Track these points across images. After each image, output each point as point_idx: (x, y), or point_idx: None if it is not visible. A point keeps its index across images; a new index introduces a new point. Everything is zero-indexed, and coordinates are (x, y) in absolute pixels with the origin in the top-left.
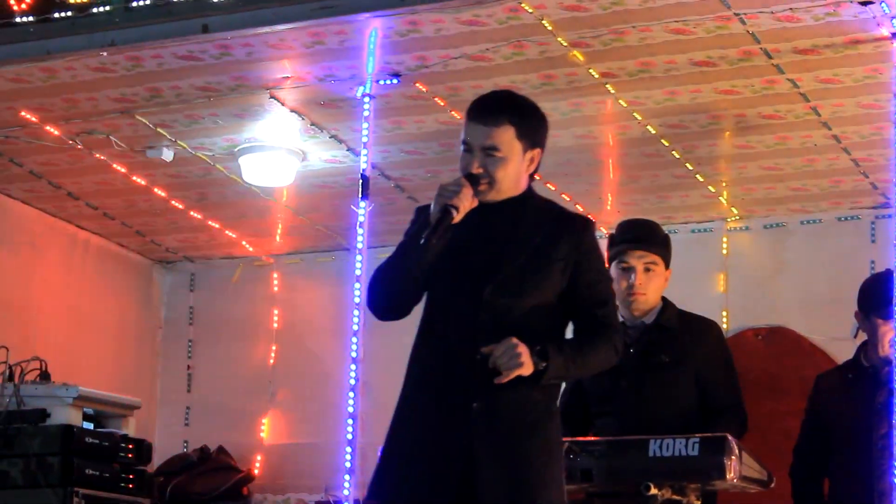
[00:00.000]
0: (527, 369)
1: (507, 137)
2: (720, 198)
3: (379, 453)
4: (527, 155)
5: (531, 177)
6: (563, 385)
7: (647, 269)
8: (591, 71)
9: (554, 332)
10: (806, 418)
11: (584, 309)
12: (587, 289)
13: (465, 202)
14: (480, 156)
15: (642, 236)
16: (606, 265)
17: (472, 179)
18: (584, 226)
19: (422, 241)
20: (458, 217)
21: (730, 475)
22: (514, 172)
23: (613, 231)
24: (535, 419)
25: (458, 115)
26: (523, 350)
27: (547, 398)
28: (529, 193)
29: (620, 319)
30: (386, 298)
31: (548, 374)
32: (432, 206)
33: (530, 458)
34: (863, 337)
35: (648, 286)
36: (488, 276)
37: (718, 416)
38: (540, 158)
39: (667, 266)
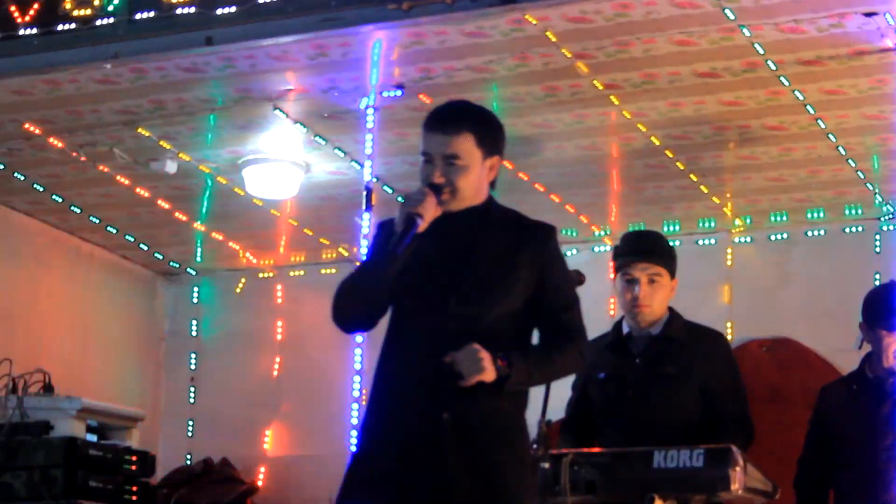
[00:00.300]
0: (489, 375)
1: (467, 145)
2: (724, 209)
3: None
4: (486, 162)
5: (492, 185)
6: (546, 394)
7: (652, 281)
8: (594, 82)
9: (521, 338)
10: (811, 429)
11: (550, 314)
12: (552, 293)
13: (430, 210)
14: (441, 165)
15: (646, 248)
16: (612, 277)
17: (435, 189)
18: (546, 233)
19: (389, 250)
20: (423, 225)
21: (734, 486)
22: (475, 180)
23: (618, 243)
24: (504, 429)
25: None
26: (485, 356)
27: (515, 408)
28: (490, 203)
29: (627, 330)
30: (354, 311)
31: (511, 380)
32: (396, 217)
33: (503, 468)
34: (867, 348)
35: (653, 298)
36: (453, 286)
37: (724, 427)
38: (499, 166)
39: (672, 276)
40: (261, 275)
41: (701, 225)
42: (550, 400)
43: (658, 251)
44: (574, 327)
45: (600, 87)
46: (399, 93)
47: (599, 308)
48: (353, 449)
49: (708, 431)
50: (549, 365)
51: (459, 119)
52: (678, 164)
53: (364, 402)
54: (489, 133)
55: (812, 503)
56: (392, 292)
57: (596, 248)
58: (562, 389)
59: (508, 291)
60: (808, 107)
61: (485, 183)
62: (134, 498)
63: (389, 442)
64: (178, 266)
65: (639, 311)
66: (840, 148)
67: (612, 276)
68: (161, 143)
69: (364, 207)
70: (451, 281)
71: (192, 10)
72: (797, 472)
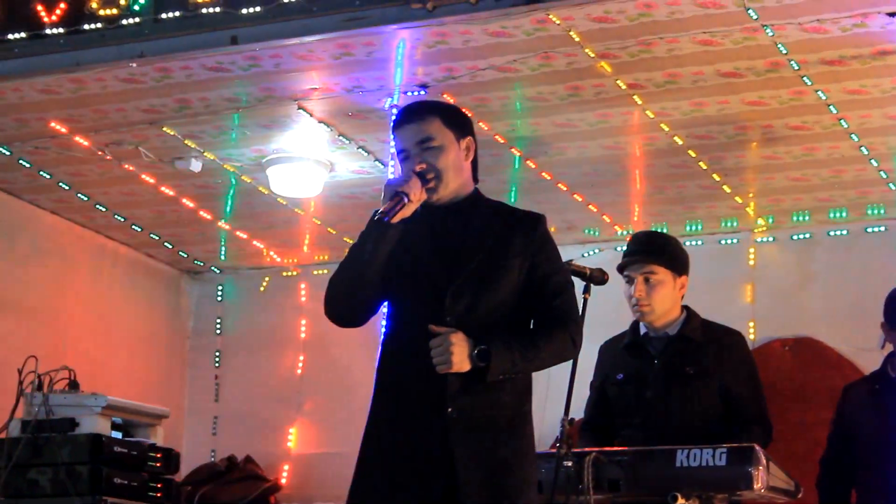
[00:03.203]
0: (461, 367)
1: (437, 127)
2: (747, 209)
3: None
4: (461, 143)
5: (475, 178)
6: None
7: (647, 280)
8: (618, 82)
9: (518, 327)
10: (833, 429)
11: (542, 301)
12: (543, 280)
13: (416, 191)
14: (418, 152)
15: (639, 248)
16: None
17: (420, 175)
18: (535, 221)
19: (376, 220)
20: (410, 207)
21: (757, 485)
22: (454, 161)
23: None
24: (509, 420)
25: (486, 126)
26: (456, 349)
27: (517, 399)
28: (477, 195)
29: (644, 331)
30: (345, 299)
31: (490, 372)
32: (383, 197)
33: (509, 461)
34: (890, 348)
35: (652, 297)
36: (447, 281)
37: (743, 426)
38: (475, 148)
39: (678, 274)
40: (285, 273)
41: (723, 225)
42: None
43: (652, 250)
44: (565, 313)
45: (623, 87)
46: (423, 92)
47: (623, 307)
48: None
49: (726, 431)
50: (535, 352)
51: (422, 108)
52: (701, 163)
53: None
54: (455, 115)
55: (834, 503)
56: (387, 292)
57: (618, 248)
58: (584, 388)
59: (502, 282)
60: (831, 107)
61: (465, 165)
62: (158, 495)
63: (397, 442)
64: (202, 264)
65: (640, 310)
66: (863, 148)
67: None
68: (186, 141)
69: None
70: (445, 277)
71: (218, 9)
72: (819, 472)
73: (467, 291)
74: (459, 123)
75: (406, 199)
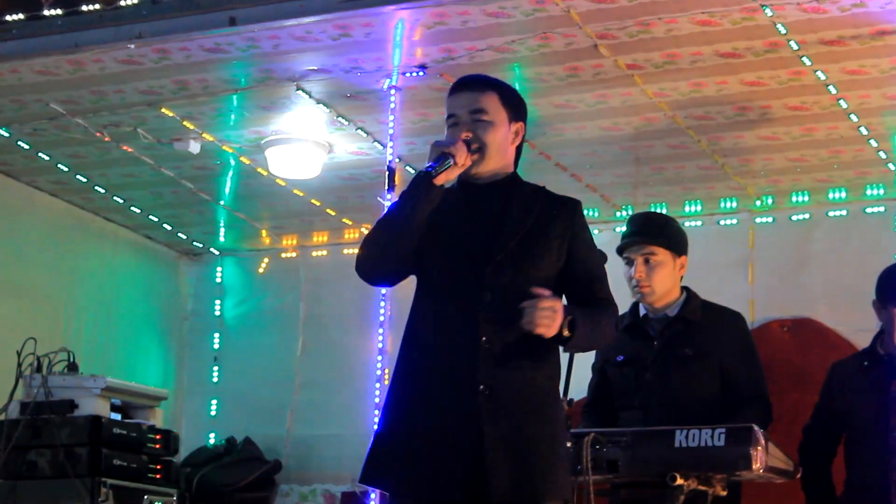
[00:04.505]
0: (551, 332)
1: (493, 102)
2: (746, 189)
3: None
4: (512, 126)
5: (517, 159)
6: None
7: (647, 261)
8: (617, 63)
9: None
10: (819, 402)
11: (581, 286)
12: (582, 264)
13: (462, 154)
14: (468, 121)
15: (638, 229)
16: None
17: (465, 144)
18: (574, 206)
19: (422, 175)
20: (454, 171)
21: (756, 466)
22: (501, 140)
23: None
24: (540, 401)
25: None
26: (559, 316)
27: (548, 380)
28: (517, 177)
29: (643, 312)
30: (381, 254)
31: (571, 344)
32: (430, 155)
33: (538, 442)
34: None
35: (652, 277)
36: (487, 256)
37: (743, 407)
38: (524, 134)
39: (676, 254)
40: (283, 255)
41: (722, 205)
42: (571, 379)
43: (650, 230)
44: (608, 298)
45: (622, 68)
46: (421, 73)
47: (621, 289)
48: (377, 427)
49: (726, 412)
50: (600, 332)
51: (485, 80)
52: (700, 144)
53: (388, 381)
54: (513, 97)
55: (813, 468)
56: (420, 266)
57: (618, 229)
58: (584, 369)
59: (541, 262)
60: (830, 87)
61: (511, 148)
62: (157, 476)
63: (422, 417)
64: (201, 246)
65: (640, 291)
66: (862, 128)
67: None
68: (184, 123)
69: (386, 188)
70: (483, 252)
71: None
72: (801, 439)
73: (507, 268)
74: (515, 105)
75: (452, 161)
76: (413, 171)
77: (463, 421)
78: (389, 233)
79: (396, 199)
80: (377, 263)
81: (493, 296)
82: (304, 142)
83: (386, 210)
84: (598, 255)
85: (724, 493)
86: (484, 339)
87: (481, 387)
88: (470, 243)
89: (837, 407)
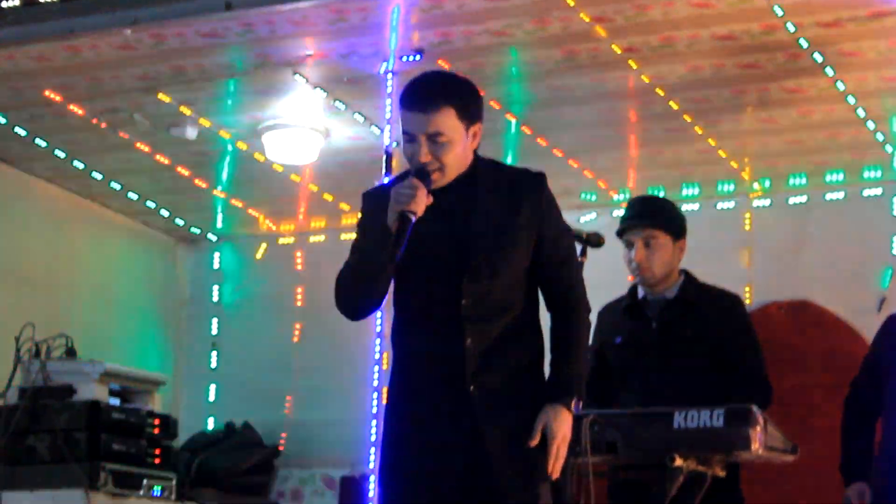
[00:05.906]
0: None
1: (449, 122)
2: (743, 173)
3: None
4: (470, 132)
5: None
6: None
7: (647, 244)
8: (613, 46)
9: (530, 296)
10: (867, 354)
11: (549, 268)
12: (551, 246)
13: (422, 204)
14: (426, 143)
15: (638, 212)
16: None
17: (423, 176)
18: (538, 184)
19: (390, 254)
20: (417, 216)
21: (755, 446)
22: (461, 153)
23: None
24: (532, 394)
25: (481, 91)
26: (567, 426)
27: (535, 373)
28: (475, 165)
29: (642, 294)
30: (358, 302)
31: (579, 402)
32: (388, 214)
33: (531, 429)
34: (887, 310)
35: (652, 260)
36: (461, 262)
37: (742, 388)
38: (481, 130)
39: (676, 237)
40: (281, 241)
41: (720, 189)
42: None
43: (650, 213)
44: (573, 289)
45: (619, 51)
46: (418, 57)
47: (619, 272)
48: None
49: (725, 393)
50: (585, 359)
51: (436, 95)
52: (697, 127)
53: (385, 380)
54: (469, 103)
55: (855, 421)
56: (396, 278)
57: (615, 213)
58: None
59: (514, 256)
60: (827, 69)
61: (470, 151)
62: (156, 461)
63: (426, 422)
64: (198, 232)
65: (640, 274)
66: (859, 110)
67: None
68: (181, 108)
69: (384, 172)
70: (458, 258)
71: None
72: (847, 392)
73: (483, 273)
74: (471, 111)
75: (414, 219)
76: None
77: (462, 422)
78: (366, 282)
79: (365, 243)
80: (361, 309)
81: (473, 300)
82: (301, 127)
83: (357, 255)
84: (567, 231)
85: (722, 475)
86: (469, 341)
87: (471, 387)
88: (443, 250)
89: (881, 362)
